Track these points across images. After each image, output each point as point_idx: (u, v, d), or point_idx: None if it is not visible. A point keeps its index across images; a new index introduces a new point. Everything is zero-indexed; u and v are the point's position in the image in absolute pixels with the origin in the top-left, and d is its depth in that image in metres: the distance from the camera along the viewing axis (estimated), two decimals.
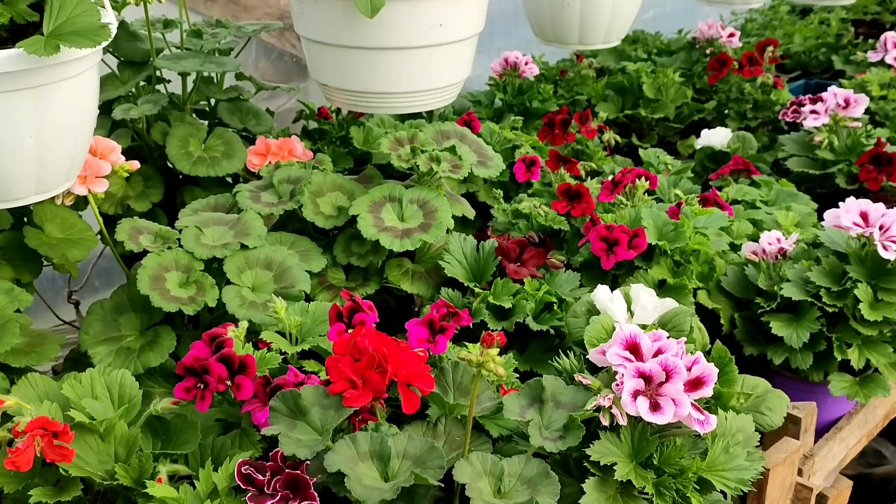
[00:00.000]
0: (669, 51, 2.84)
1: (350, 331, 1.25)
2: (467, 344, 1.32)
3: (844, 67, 2.81)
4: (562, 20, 2.00)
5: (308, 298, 1.44)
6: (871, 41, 2.91)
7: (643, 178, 1.67)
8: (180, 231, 1.45)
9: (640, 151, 2.11)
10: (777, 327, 1.49)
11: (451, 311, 1.34)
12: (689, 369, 1.09)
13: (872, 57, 2.60)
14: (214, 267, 1.43)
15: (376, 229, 1.48)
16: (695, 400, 1.09)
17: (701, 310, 1.56)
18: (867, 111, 2.32)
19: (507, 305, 1.44)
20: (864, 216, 1.49)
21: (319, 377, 1.19)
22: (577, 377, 1.12)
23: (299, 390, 1.08)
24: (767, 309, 1.53)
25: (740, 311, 1.58)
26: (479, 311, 1.44)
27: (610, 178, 1.80)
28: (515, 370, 1.35)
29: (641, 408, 1.06)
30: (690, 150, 2.40)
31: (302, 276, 1.43)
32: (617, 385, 1.08)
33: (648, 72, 2.45)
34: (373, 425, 1.07)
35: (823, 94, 2.08)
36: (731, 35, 2.66)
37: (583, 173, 1.97)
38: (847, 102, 2.05)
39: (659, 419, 1.05)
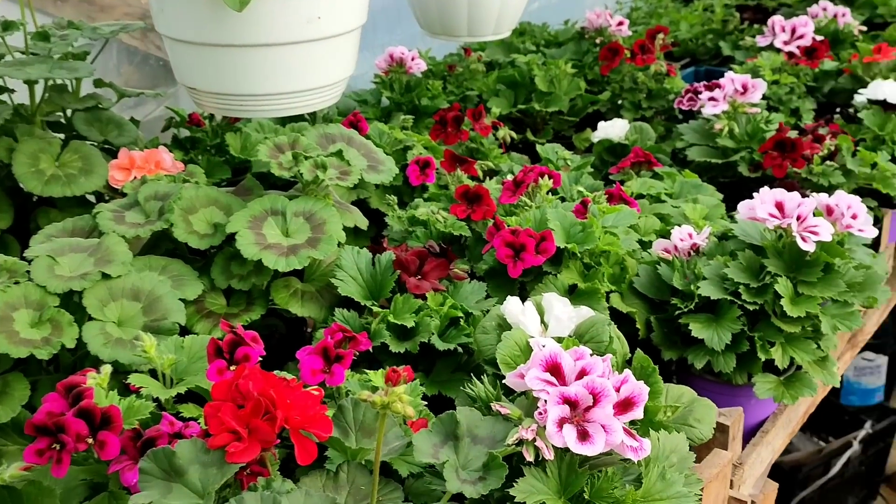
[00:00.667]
0: (558, 42, 2.76)
1: (233, 367, 1.09)
2: (368, 372, 1.18)
3: (733, 53, 2.78)
4: (450, 12, 1.87)
5: (184, 331, 1.27)
6: (756, 26, 2.89)
7: (546, 177, 1.56)
8: (30, 262, 1.26)
9: (538, 147, 2.00)
10: (697, 329, 1.40)
11: (348, 336, 1.20)
12: (617, 390, 0.98)
13: (761, 41, 2.57)
14: (73, 301, 1.25)
15: (258, 247, 1.32)
16: (625, 423, 0.98)
17: (615, 314, 1.45)
18: (761, 97, 2.28)
19: (410, 324, 1.30)
20: (779, 207, 1.41)
21: (200, 425, 1.04)
22: (495, 406, 1.00)
23: (174, 446, 0.92)
24: (685, 310, 1.43)
25: (656, 313, 1.49)
26: (378, 332, 1.30)
27: (510, 177, 1.69)
28: (423, 396, 1.21)
29: (569, 438, 0.94)
30: (587, 144, 2.31)
31: (175, 306, 1.26)
32: (540, 413, 0.96)
33: (540, 64, 2.35)
34: (263, 481, 0.92)
35: (721, 81, 2.01)
36: (621, 24, 2.59)
37: (480, 173, 1.86)
38: (745, 88, 1.99)
39: (589, 450, 0.93)
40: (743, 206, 1.46)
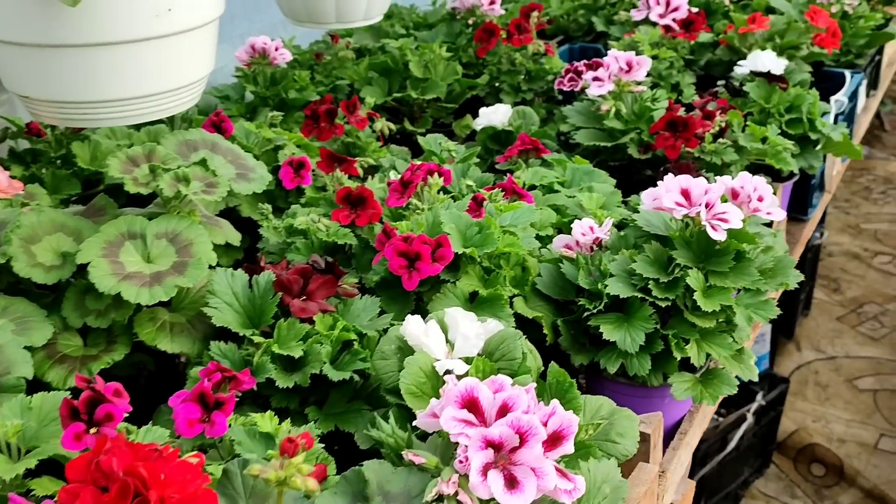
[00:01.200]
0: (428, 24, 2.63)
1: (94, 430, 0.93)
2: (253, 415, 1.03)
3: (607, 29, 2.71)
4: None
5: (34, 386, 1.09)
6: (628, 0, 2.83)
7: (436, 175, 1.43)
8: None
9: (420, 140, 1.87)
10: (608, 331, 1.30)
11: (227, 376, 1.04)
12: (545, 423, 0.86)
13: (636, 15, 2.50)
14: None
15: (115, 279, 1.14)
16: (556, 459, 0.87)
17: (520, 319, 1.35)
18: None
19: (297, 354, 1.16)
20: (686, 194, 1.32)
21: None
22: (407, 456, 0.87)
23: None
24: (593, 311, 1.33)
25: (563, 315, 1.38)
26: (262, 366, 1.14)
27: (394, 175, 1.55)
28: (319, 437, 1.07)
29: (495, 487, 0.82)
30: (468, 131, 2.20)
31: (19, 357, 1.07)
32: (460, 462, 0.83)
33: (413, 49, 2.22)
34: None
35: (604, 60, 1.93)
36: (493, 3, 2.48)
37: (361, 172, 1.71)
38: (629, 66, 1.91)
39: (519, 499, 0.81)
40: (646, 196, 1.37)
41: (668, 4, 2.46)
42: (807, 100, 1.94)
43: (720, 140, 1.78)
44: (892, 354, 3.97)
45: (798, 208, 2.23)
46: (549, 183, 1.70)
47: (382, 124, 1.94)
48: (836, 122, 2.30)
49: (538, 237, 1.51)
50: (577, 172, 1.74)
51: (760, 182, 1.39)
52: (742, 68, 2.19)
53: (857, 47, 2.58)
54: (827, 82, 2.46)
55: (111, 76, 1.22)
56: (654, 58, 2.31)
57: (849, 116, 2.50)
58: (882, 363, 3.92)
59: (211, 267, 1.22)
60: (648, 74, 2.31)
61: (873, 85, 2.94)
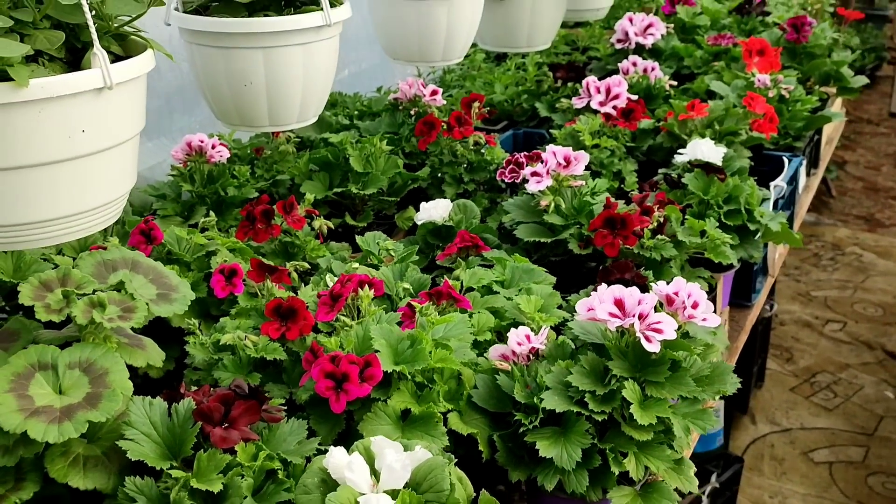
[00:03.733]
0: (372, 112, 2.63)
1: None
2: None
3: (550, 114, 2.72)
4: (246, 100, 1.69)
5: None
6: (570, 84, 2.85)
7: (367, 287, 1.40)
8: None
9: (358, 239, 1.84)
10: (544, 447, 1.26)
11: None
12: None
13: (577, 103, 2.52)
14: None
15: (22, 415, 1.09)
16: None
17: (455, 435, 1.31)
18: None
19: (217, 488, 1.10)
20: (619, 304, 1.30)
21: None
22: None
23: None
24: (530, 426, 1.30)
25: (499, 429, 1.35)
26: (179, 502, 1.09)
27: (331, 281, 1.52)
28: None
29: None
30: (410, 223, 2.18)
31: None
32: None
33: (354, 143, 2.20)
34: None
35: (543, 154, 1.92)
36: (434, 93, 2.48)
37: (295, 277, 1.68)
38: (568, 161, 1.91)
39: None
40: (581, 305, 1.34)
41: (608, 93, 2.49)
42: (744, 190, 1.95)
43: (659, 236, 1.77)
44: (846, 425, 3.97)
45: (742, 294, 2.23)
46: (488, 283, 1.68)
47: (321, 223, 1.92)
48: (776, 206, 2.31)
49: (476, 343, 1.49)
50: (516, 271, 1.72)
51: (695, 288, 1.38)
52: (682, 157, 2.20)
53: (796, 129, 2.62)
54: (767, 165, 2.49)
55: (26, 199, 1.17)
56: (594, 146, 2.32)
57: (789, 199, 2.52)
58: (836, 434, 3.91)
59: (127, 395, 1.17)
60: (591, 163, 2.32)
61: (813, 164, 2.99)
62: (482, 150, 2.29)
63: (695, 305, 1.36)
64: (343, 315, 1.38)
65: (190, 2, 1.71)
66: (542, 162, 1.91)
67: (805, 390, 4.21)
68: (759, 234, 1.98)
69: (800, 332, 4.65)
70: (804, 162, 2.79)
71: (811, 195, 2.92)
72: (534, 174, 1.91)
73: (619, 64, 2.88)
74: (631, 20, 3.14)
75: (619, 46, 3.14)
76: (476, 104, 2.43)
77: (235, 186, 2.05)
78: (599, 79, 2.55)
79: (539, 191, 1.89)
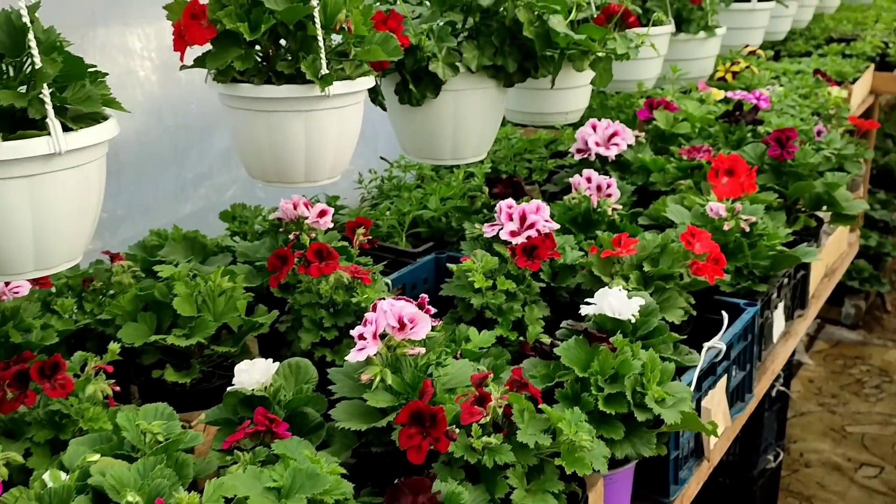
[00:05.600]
0: (256, 234, 2.28)
1: None
2: None
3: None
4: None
5: None
6: None
7: None
8: None
9: (119, 416, 1.45)
10: None
11: None
12: None
13: (488, 231, 2.11)
14: None
15: None
16: None
17: None
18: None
19: None
20: None
21: None
22: None
23: None
24: None
25: None
26: None
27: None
28: None
29: None
30: None
31: None
32: None
33: (189, 278, 1.84)
34: None
35: (368, 315, 1.51)
36: (323, 214, 2.12)
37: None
38: (402, 324, 1.50)
39: None
40: None
41: (522, 220, 2.08)
42: (632, 367, 1.50)
43: (494, 436, 1.34)
44: None
45: (657, 487, 1.76)
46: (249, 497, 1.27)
47: (97, 387, 1.54)
48: (712, 372, 1.85)
49: None
50: (298, 475, 1.31)
51: None
52: (589, 308, 1.77)
53: (761, 269, 2.16)
54: (721, 312, 2.02)
55: None
56: (490, 289, 1.91)
57: (746, 356, 2.06)
58: None
59: None
60: (485, 309, 1.91)
61: (800, 304, 2.50)
62: (354, 290, 1.90)
63: None
64: None
65: None
66: (369, 323, 1.50)
67: None
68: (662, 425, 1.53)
69: (826, 478, 4.06)
70: (780, 305, 2.32)
71: (794, 342, 2.43)
72: (360, 337, 1.50)
73: (570, 179, 2.48)
74: (594, 127, 2.74)
75: (578, 157, 2.75)
76: (360, 230, 2.06)
77: (25, 330, 1.70)
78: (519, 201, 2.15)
79: (360, 360, 1.48)
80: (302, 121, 1.80)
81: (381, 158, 2.95)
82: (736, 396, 2.03)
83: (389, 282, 2.11)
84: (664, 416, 1.48)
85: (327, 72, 1.75)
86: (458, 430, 1.35)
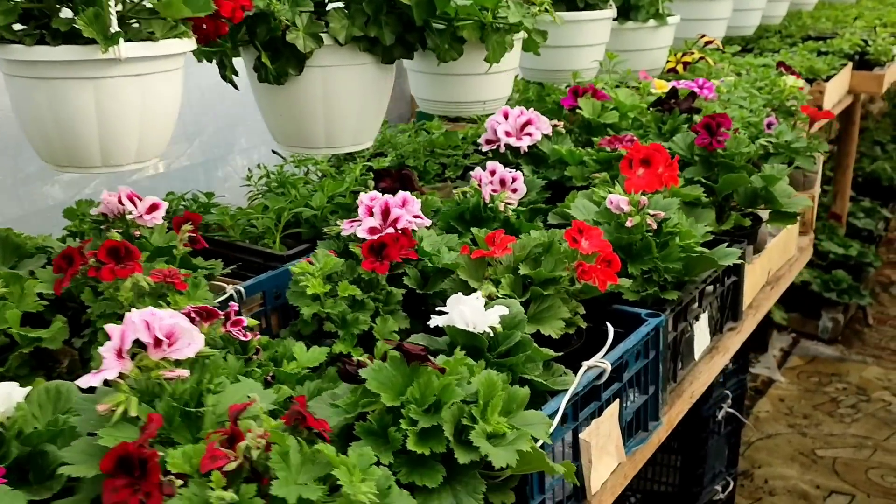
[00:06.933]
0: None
1: None
2: None
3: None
4: None
5: None
6: None
7: None
8: None
9: None
10: None
11: None
12: None
13: (347, 229, 1.77)
14: None
15: None
16: None
17: None
18: None
19: None
20: None
21: None
22: None
23: None
24: None
25: None
26: None
27: None
28: None
29: None
30: None
31: None
32: None
33: None
34: None
35: (113, 330, 1.18)
36: (154, 208, 1.79)
37: None
38: (157, 339, 1.16)
39: None
40: None
41: (385, 216, 1.75)
42: (455, 394, 1.17)
43: (244, 487, 1.00)
44: None
45: None
46: None
47: None
48: (594, 396, 1.51)
49: None
50: None
51: None
52: (440, 318, 1.45)
53: (673, 273, 1.82)
54: (624, 324, 1.68)
55: None
56: (329, 295, 1.57)
57: (653, 376, 1.72)
58: None
59: None
60: (329, 320, 1.58)
61: (732, 315, 2.16)
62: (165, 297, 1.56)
63: None
64: None
65: None
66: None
67: None
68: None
69: None
70: (703, 317, 1.98)
71: (723, 359, 2.09)
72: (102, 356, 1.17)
73: (472, 172, 2.15)
74: (506, 115, 2.41)
75: (487, 149, 2.42)
76: (187, 226, 1.72)
77: None
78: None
79: (93, 385, 1.14)
80: (90, 91, 1.48)
81: (273, 152, 2.62)
82: (636, 425, 1.69)
83: (242, 289, 1.78)
84: (492, 457, 1.14)
85: (117, 29, 1.43)
86: (194, 480, 1.01)
